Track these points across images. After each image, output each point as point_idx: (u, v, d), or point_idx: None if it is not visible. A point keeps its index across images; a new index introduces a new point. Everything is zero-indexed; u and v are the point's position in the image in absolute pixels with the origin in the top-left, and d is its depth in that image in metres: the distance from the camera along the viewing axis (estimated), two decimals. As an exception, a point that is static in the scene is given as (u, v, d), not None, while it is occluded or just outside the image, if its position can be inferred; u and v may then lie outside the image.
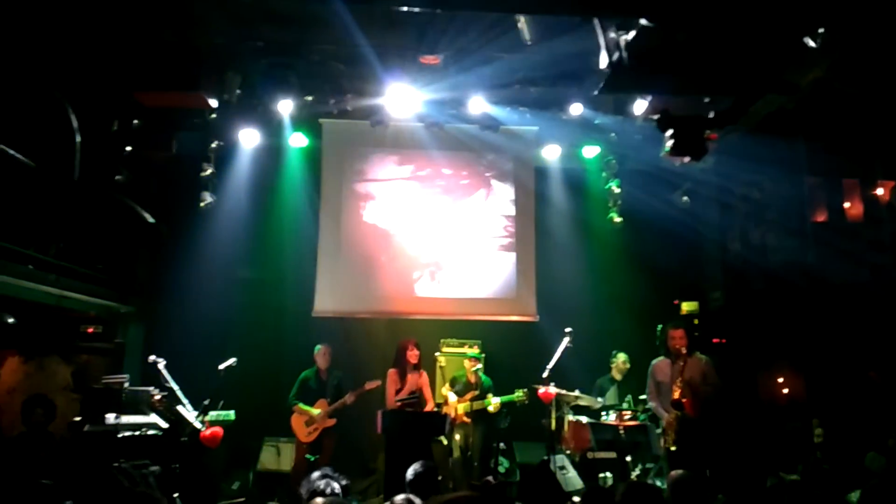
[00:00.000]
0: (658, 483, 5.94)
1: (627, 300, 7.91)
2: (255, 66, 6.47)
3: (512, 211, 8.25)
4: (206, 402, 5.88)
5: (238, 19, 5.86)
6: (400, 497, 3.09)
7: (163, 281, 7.56)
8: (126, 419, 5.54)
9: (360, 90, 6.71)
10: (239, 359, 6.22)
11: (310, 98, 6.85)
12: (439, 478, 4.26)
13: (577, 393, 6.84)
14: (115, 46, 5.64)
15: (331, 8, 5.07)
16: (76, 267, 6.30)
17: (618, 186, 8.03)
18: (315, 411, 6.56)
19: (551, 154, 8.15)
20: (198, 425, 5.72)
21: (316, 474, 3.73)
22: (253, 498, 6.81)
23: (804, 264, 7.71)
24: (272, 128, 7.30)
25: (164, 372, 5.87)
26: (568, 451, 6.83)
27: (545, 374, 6.28)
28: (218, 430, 5.79)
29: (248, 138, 7.36)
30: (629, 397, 6.91)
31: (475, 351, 7.01)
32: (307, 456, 6.45)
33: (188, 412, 5.78)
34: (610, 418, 6.66)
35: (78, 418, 5.46)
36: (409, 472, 4.01)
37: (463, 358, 7.01)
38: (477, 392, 6.75)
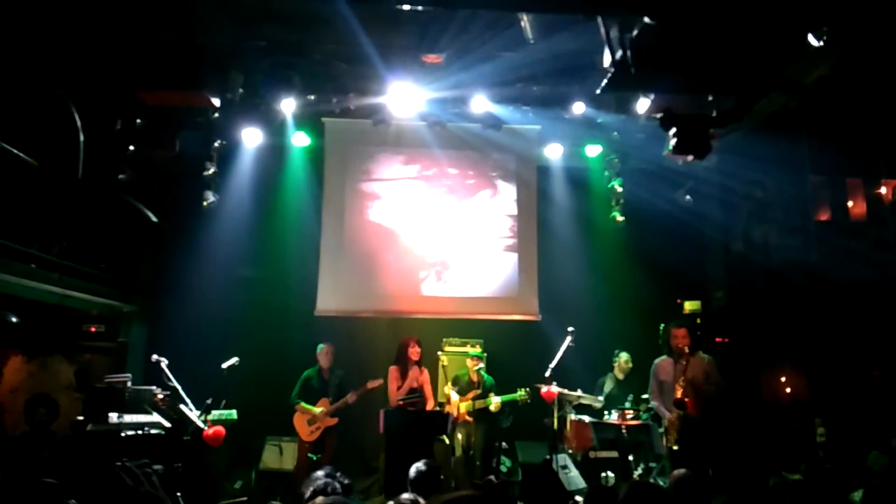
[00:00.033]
0: (660, 482, 5.94)
1: (630, 299, 7.90)
2: (257, 66, 6.47)
3: (515, 210, 8.25)
4: (209, 402, 5.89)
5: (240, 18, 5.86)
6: (407, 496, 3.10)
7: (166, 280, 7.57)
8: (129, 418, 5.55)
9: (362, 89, 6.71)
10: (241, 358, 6.23)
11: (312, 97, 6.85)
12: (441, 477, 4.26)
13: (579, 392, 6.83)
14: (117, 45, 5.64)
15: (333, 7, 5.07)
16: (79, 266, 6.31)
17: (620, 185, 8.02)
18: (317, 410, 6.57)
19: (554, 153, 8.15)
20: (200, 424, 5.73)
21: (318, 473, 3.73)
22: (255, 497, 6.81)
23: (807, 263, 7.69)
24: (275, 127, 7.29)
25: (167, 371, 5.89)
26: (570, 451, 6.83)
27: (547, 374, 6.27)
28: (220, 429, 5.80)
29: (251, 137, 7.36)
30: (631, 396, 6.90)
31: (477, 350, 7.01)
32: (309, 455, 6.46)
33: (191, 411, 5.79)
34: (612, 417, 6.65)
35: (81, 417, 5.46)
36: (412, 471, 4.01)
37: (465, 357, 7.01)
38: (479, 391, 6.75)
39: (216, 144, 7.32)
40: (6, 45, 4.59)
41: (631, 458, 6.52)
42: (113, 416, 5.45)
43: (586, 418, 6.86)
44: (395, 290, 7.95)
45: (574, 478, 6.50)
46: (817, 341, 7.32)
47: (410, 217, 8.14)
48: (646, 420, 6.60)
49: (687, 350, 5.89)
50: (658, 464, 6.53)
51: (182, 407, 5.78)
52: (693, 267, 8.20)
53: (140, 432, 5.57)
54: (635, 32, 4.43)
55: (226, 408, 6.19)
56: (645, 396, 6.59)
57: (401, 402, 6.41)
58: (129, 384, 5.89)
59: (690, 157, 5.14)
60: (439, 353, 7.16)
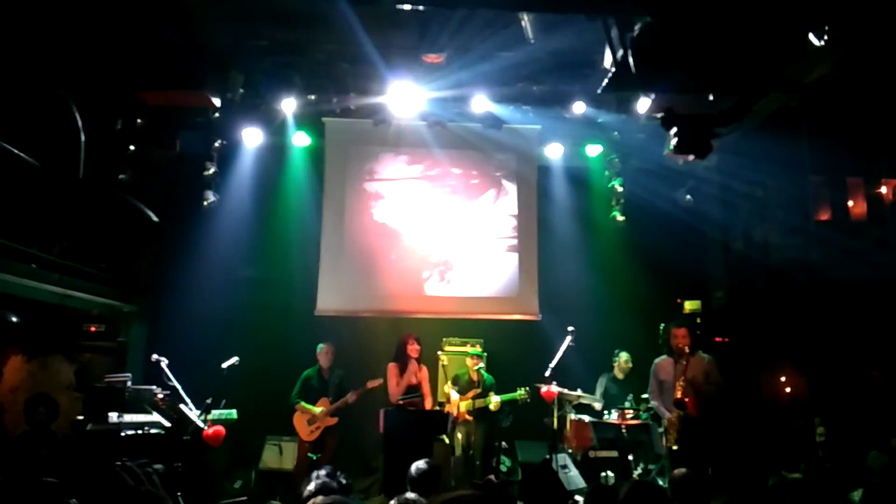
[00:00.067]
0: (660, 482, 5.94)
1: (630, 299, 7.90)
2: (258, 65, 6.48)
3: (515, 210, 8.25)
4: (209, 401, 5.89)
5: (241, 18, 5.86)
6: (409, 495, 3.10)
7: (166, 280, 7.57)
8: (129, 418, 5.55)
9: (363, 89, 6.72)
10: (241, 358, 6.24)
11: (313, 97, 6.86)
12: (441, 477, 4.26)
13: (579, 392, 6.84)
14: (118, 45, 5.64)
15: (334, 7, 5.07)
16: (79, 266, 6.32)
17: (620, 185, 8.04)
18: (317, 410, 6.57)
19: (554, 153, 8.15)
20: (200, 424, 5.74)
21: (318, 473, 3.74)
22: (255, 497, 6.81)
23: (807, 263, 7.69)
24: (275, 127, 7.31)
25: (167, 371, 5.89)
26: (570, 450, 6.83)
27: (547, 373, 6.28)
28: (220, 428, 5.80)
29: (252, 137, 7.37)
30: (631, 396, 6.90)
31: (477, 349, 7.01)
32: (309, 455, 6.47)
33: (191, 411, 5.79)
34: (612, 417, 6.65)
35: (81, 417, 5.46)
36: (412, 470, 4.01)
37: (465, 356, 7.01)
38: (479, 390, 6.76)
39: (217, 144, 7.33)
40: (7, 45, 4.59)
41: (631, 457, 6.52)
42: (113, 416, 5.45)
43: (586, 418, 6.87)
44: (397, 289, 7.96)
45: (574, 477, 6.50)
46: (817, 341, 7.32)
47: (413, 217, 8.14)
48: (646, 420, 6.61)
49: (687, 350, 5.89)
50: (658, 463, 6.53)
51: (182, 406, 5.79)
52: (693, 266, 8.20)
53: (140, 432, 5.58)
54: (636, 32, 4.43)
55: (226, 407, 6.20)
56: (645, 396, 6.59)
57: (401, 402, 6.41)
58: (129, 384, 5.90)
59: (691, 157, 5.14)
60: (439, 352, 7.16)
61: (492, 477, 5.05)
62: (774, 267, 8.02)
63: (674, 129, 4.55)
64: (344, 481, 3.72)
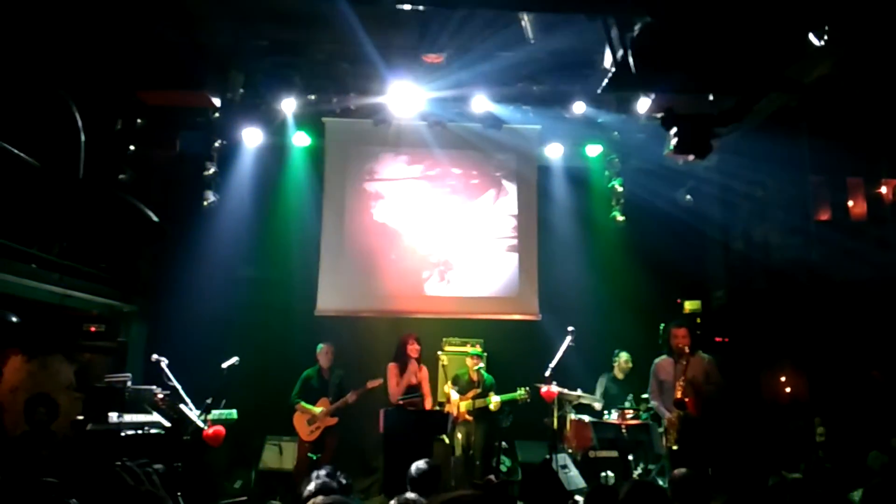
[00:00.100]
0: (660, 482, 5.94)
1: (630, 299, 7.90)
2: (258, 65, 6.48)
3: (515, 210, 8.25)
4: (209, 401, 5.90)
5: (241, 18, 5.86)
6: (410, 495, 3.10)
7: (166, 280, 7.57)
8: (129, 418, 5.55)
9: (363, 89, 6.72)
10: (241, 358, 6.24)
11: (313, 97, 6.86)
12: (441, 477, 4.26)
13: (579, 392, 6.83)
14: (118, 45, 5.64)
15: (334, 7, 5.07)
16: (79, 266, 6.32)
17: (620, 185, 8.04)
18: (317, 410, 6.57)
19: (554, 153, 8.15)
20: (200, 424, 5.74)
21: (318, 473, 3.74)
22: (255, 497, 6.81)
23: (807, 263, 7.69)
24: (275, 127, 7.31)
25: (167, 371, 5.89)
26: (570, 450, 6.83)
27: (547, 373, 6.28)
28: (220, 428, 5.80)
29: (252, 137, 7.37)
30: (631, 396, 6.90)
31: (477, 349, 7.01)
32: (309, 455, 6.46)
33: (191, 411, 5.79)
34: (612, 417, 6.66)
35: (81, 417, 5.46)
36: (412, 470, 4.01)
37: (465, 356, 7.01)
38: (479, 390, 6.76)
39: (217, 144, 7.33)
40: (7, 45, 4.59)
41: (631, 457, 6.52)
42: (113, 416, 5.45)
43: (586, 418, 6.87)
44: (397, 289, 7.95)
45: (574, 477, 6.50)
46: (817, 341, 7.32)
47: (413, 217, 8.14)
48: (645, 420, 6.61)
49: (687, 350, 5.89)
50: (658, 463, 6.53)
51: (182, 406, 5.79)
52: (693, 266, 8.20)
53: (140, 432, 5.58)
54: (636, 32, 4.43)
55: (226, 407, 6.20)
56: (645, 396, 6.59)
57: (401, 402, 6.41)
58: (129, 384, 5.90)
59: (691, 157, 5.14)
60: (439, 352, 7.16)
61: (492, 477, 5.06)
62: (774, 267, 8.02)
63: (674, 129, 4.55)
64: (344, 481, 3.72)
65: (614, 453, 6.63)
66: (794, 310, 7.48)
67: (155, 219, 2.23)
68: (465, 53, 6.03)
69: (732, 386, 6.45)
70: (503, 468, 7.17)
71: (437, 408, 6.88)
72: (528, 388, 6.63)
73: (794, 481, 4.93)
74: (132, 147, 6.88)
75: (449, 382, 6.88)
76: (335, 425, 6.61)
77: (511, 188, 8.30)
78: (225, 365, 6.15)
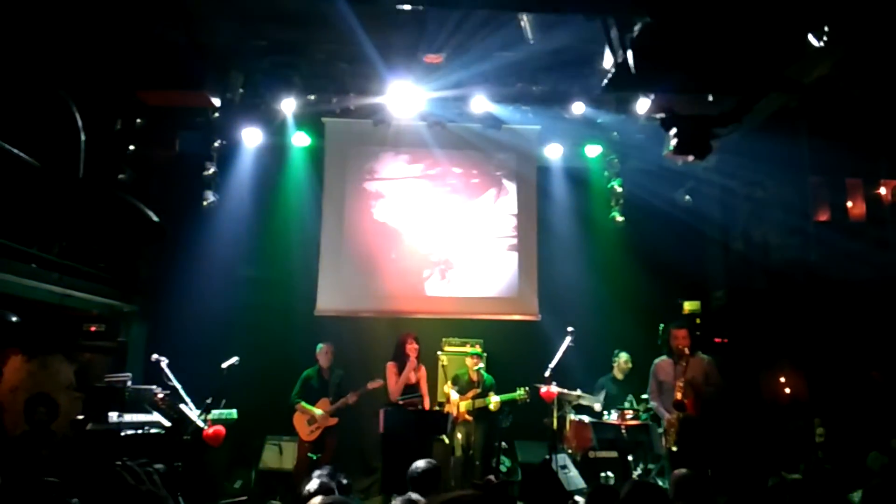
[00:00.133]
0: (660, 482, 5.95)
1: (629, 299, 7.90)
2: (257, 65, 6.48)
3: (515, 210, 8.26)
4: (209, 401, 5.90)
5: (241, 18, 5.86)
6: (413, 495, 3.11)
7: (165, 280, 7.57)
8: (129, 418, 5.56)
9: (362, 89, 6.72)
10: (241, 358, 6.24)
11: (312, 97, 6.86)
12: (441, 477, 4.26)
13: (578, 392, 6.84)
14: (118, 45, 5.64)
15: (333, 7, 5.07)
16: (79, 266, 6.31)
17: (620, 185, 8.04)
18: (317, 411, 6.57)
19: (554, 153, 8.16)
20: (200, 424, 5.74)
21: (318, 473, 3.74)
22: (255, 497, 6.81)
23: (807, 263, 7.69)
24: (275, 127, 7.31)
25: (167, 370, 5.90)
26: (570, 451, 6.83)
27: (547, 374, 6.28)
28: (220, 428, 5.81)
29: (251, 137, 7.37)
30: (630, 397, 6.91)
31: (477, 349, 7.01)
32: (309, 454, 6.47)
33: (191, 411, 5.79)
34: (612, 417, 6.66)
35: (81, 417, 5.47)
36: (413, 470, 4.01)
37: (465, 356, 7.01)
38: (479, 390, 6.76)
39: (216, 144, 7.33)
40: (8, 45, 4.59)
41: (630, 458, 6.52)
42: (113, 416, 5.46)
43: (586, 418, 6.87)
44: (397, 289, 7.95)
45: (573, 478, 6.50)
46: (817, 341, 7.32)
47: (414, 216, 8.14)
48: (645, 420, 6.61)
49: (687, 351, 5.90)
50: (657, 464, 6.54)
51: (182, 406, 5.79)
52: (693, 267, 8.21)
53: (140, 431, 5.58)
54: (635, 32, 4.43)
55: (226, 407, 6.20)
56: (644, 396, 6.60)
57: (400, 402, 6.41)
58: (129, 383, 5.90)
59: (691, 158, 5.15)
60: (439, 352, 7.16)
61: (491, 477, 5.05)
62: (774, 267, 8.02)
63: (673, 130, 4.56)
64: (344, 481, 3.73)
65: (614, 454, 6.64)
66: (793, 310, 7.48)
67: (155, 218, 2.24)
68: (464, 53, 6.03)
69: (732, 386, 6.45)
70: (503, 468, 7.17)
71: (437, 408, 6.88)
72: (527, 389, 6.63)
73: (793, 482, 4.93)
74: (132, 147, 6.88)
75: (449, 382, 6.88)
76: (335, 425, 6.62)
77: (511, 188, 8.30)
78: (225, 365, 6.15)
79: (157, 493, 1.81)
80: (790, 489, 3.42)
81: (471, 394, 6.75)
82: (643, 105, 6.53)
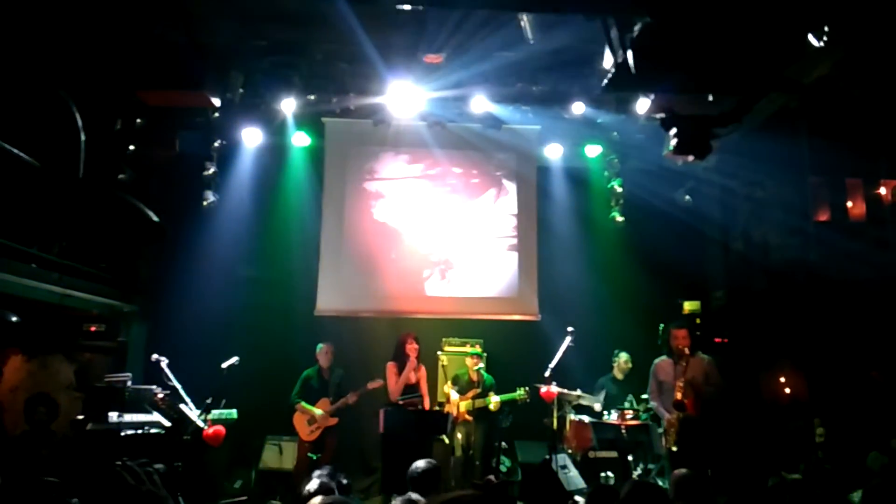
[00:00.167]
0: (660, 482, 5.95)
1: (629, 299, 7.91)
2: (257, 65, 6.48)
3: (515, 209, 8.26)
4: (209, 401, 5.90)
5: (240, 18, 5.87)
6: (414, 494, 3.11)
7: (166, 280, 7.57)
8: (129, 418, 5.56)
9: (362, 89, 6.72)
10: (241, 358, 6.24)
11: (312, 97, 6.86)
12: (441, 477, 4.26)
13: (578, 392, 6.84)
14: (118, 45, 5.64)
15: (333, 7, 5.07)
16: (79, 266, 6.31)
17: (620, 185, 8.04)
18: (317, 411, 6.57)
19: (554, 153, 8.16)
20: (200, 424, 5.74)
21: (318, 473, 3.74)
22: (255, 496, 6.81)
23: (806, 263, 7.69)
24: (275, 127, 7.31)
25: (167, 370, 5.90)
26: (570, 451, 6.83)
27: (547, 374, 6.28)
28: (220, 428, 5.81)
29: (251, 137, 7.37)
30: (630, 397, 6.91)
31: (477, 349, 7.01)
32: (309, 454, 6.47)
33: (191, 411, 5.79)
34: (612, 418, 6.66)
35: (81, 417, 5.47)
36: (413, 470, 4.01)
37: (465, 356, 7.01)
38: (479, 390, 6.76)
39: (216, 144, 7.33)
40: (8, 45, 4.60)
41: (630, 458, 6.52)
42: (113, 416, 5.46)
43: (586, 418, 6.87)
44: (397, 289, 7.95)
45: (573, 478, 6.50)
46: (817, 342, 7.32)
47: (414, 216, 8.15)
48: (645, 420, 6.61)
49: (687, 351, 5.90)
50: (657, 464, 6.54)
51: (182, 406, 5.79)
52: (693, 267, 8.21)
53: (140, 431, 5.58)
54: (636, 32, 4.43)
55: (226, 407, 6.20)
56: (644, 396, 6.60)
57: (400, 402, 6.41)
58: (129, 383, 5.90)
59: (691, 158, 5.15)
60: (439, 352, 7.16)
61: (491, 477, 5.05)
62: (774, 267, 8.02)
63: (673, 130, 4.56)
64: (344, 481, 3.73)
65: (614, 454, 6.64)
66: (793, 310, 7.48)
67: (155, 218, 2.24)
68: (464, 53, 6.03)
69: (732, 386, 6.45)
70: (503, 468, 7.17)
71: (437, 408, 6.88)
72: (527, 389, 6.63)
73: (793, 482, 4.93)
74: (132, 147, 6.88)
75: (449, 382, 6.88)
76: (335, 425, 6.62)
77: (511, 188, 8.31)
78: (225, 365, 6.15)
79: (157, 493, 1.81)
80: (790, 489, 3.42)
81: (471, 394, 6.75)
82: (643, 105, 6.53)
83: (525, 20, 5.38)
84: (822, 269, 7.48)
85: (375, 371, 6.78)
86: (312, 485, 3.47)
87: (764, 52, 4.42)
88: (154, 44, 5.85)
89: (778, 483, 4.79)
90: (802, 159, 7.94)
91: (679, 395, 5.79)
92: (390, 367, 6.61)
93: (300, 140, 7.80)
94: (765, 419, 7.43)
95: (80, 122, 2.34)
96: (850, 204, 8.63)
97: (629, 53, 4.40)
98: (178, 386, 5.84)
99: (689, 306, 7.77)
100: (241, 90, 6.54)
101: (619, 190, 8.03)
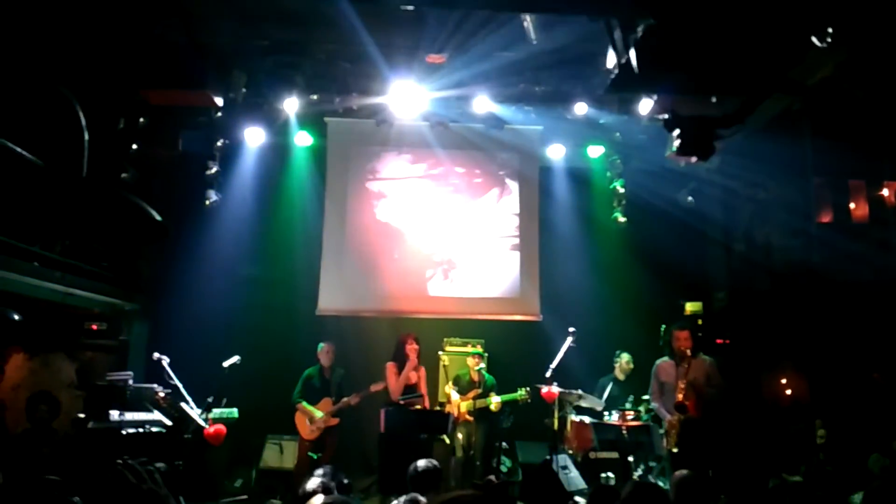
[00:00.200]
0: (660, 483, 5.94)
1: (631, 300, 7.90)
2: (260, 65, 6.49)
3: (517, 210, 8.26)
4: (210, 400, 5.91)
5: (243, 18, 5.87)
6: (414, 494, 3.11)
7: (167, 279, 7.58)
8: (130, 416, 5.56)
9: (365, 89, 6.73)
10: (242, 357, 6.25)
11: (315, 97, 6.87)
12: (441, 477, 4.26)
13: (579, 392, 6.83)
14: (121, 44, 5.65)
15: (335, 6, 5.08)
16: (81, 264, 6.33)
17: (622, 186, 8.04)
18: (318, 413, 6.57)
19: (556, 153, 8.15)
20: (201, 423, 5.75)
21: (318, 472, 3.75)
22: (255, 496, 6.82)
23: (809, 265, 7.67)
24: (277, 126, 7.32)
25: (168, 369, 5.91)
26: (570, 451, 6.83)
27: (548, 374, 6.28)
28: (221, 427, 5.82)
29: (254, 137, 7.38)
30: (631, 397, 6.90)
31: (478, 349, 7.01)
32: (310, 454, 6.48)
33: (192, 409, 5.80)
34: (613, 418, 6.65)
35: (82, 415, 5.47)
36: (413, 469, 4.01)
37: (466, 356, 7.01)
38: (480, 390, 6.76)
39: (219, 143, 7.35)
40: (12, 44, 4.60)
41: (631, 458, 6.52)
42: (114, 414, 5.47)
43: (587, 419, 6.86)
44: (398, 289, 7.95)
45: (574, 478, 6.50)
46: (819, 343, 7.31)
47: (416, 216, 8.15)
48: (646, 421, 6.60)
49: (689, 352, 5.89)
50: (658, 464, 6.53)
51: (183, 405, 5.80)
52: (694, 268, 8.20)
53: (141, 430, 5.59)
54: (639, 33, 4.43)
55: (227, 406, 6.21)
56: (646, 397, 6.59)
57: (401, 402, 6.41)
58: (130, 382, 5.91)
59: (694, 159, 5.14)
60: (440, 352, 7.16)
61: (492, 477, 5.05)
62: (776, 269, 8.00)
63: (676, 131, 4.55)
64: (344, 481, 3.73)
65: (615, 454, 6.63)
66: (795, 312, 7.47)
67: (158, 218, 2.24)
68: (466, 53, 6.03)
69: (733, 388, 6.45)
70: (503, 469, 7.16)
71: (438, 408, 6.88)
72: (528, 389, 6.63)
73: (794, 484, 4.93)
74: (135, 146, 6.88)
75: (450, 382, 6.88)
76: (336, 425, 6.62)
77: (514, 188, 8.30)
78: (226, 364, 6.16)
79: (158, 491, 1.81)
80: (791, 491, 3.42)
81: (472, 394, 6.75)
82: (646, 106, 6.52)
83: (528, 20, 5.38)
84: (824, 270, 7.47)
85: (377, 371, 6.79)
86: (312, 484, 3.47)
87: (767, 54, 4.41)
88: (157, 43, 5.86)
89: (779, 484, 4.80)
90: (805, 160, 7.92)
91: (680, 397, 5.79)
92: (390, 367, 6.62)
93: (302, 140, 7.81)
94: (766, 421, 7.42)
95: (83, 121, 2.34)
96: (852, 205, 8.61)
97: (632, 54, 4.40)
98: (180, 385, 5.85)
99: (690, 307, 7.77)
100: (243, 90, 6.55)
101: (622, 190, 8.03)
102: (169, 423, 5.77)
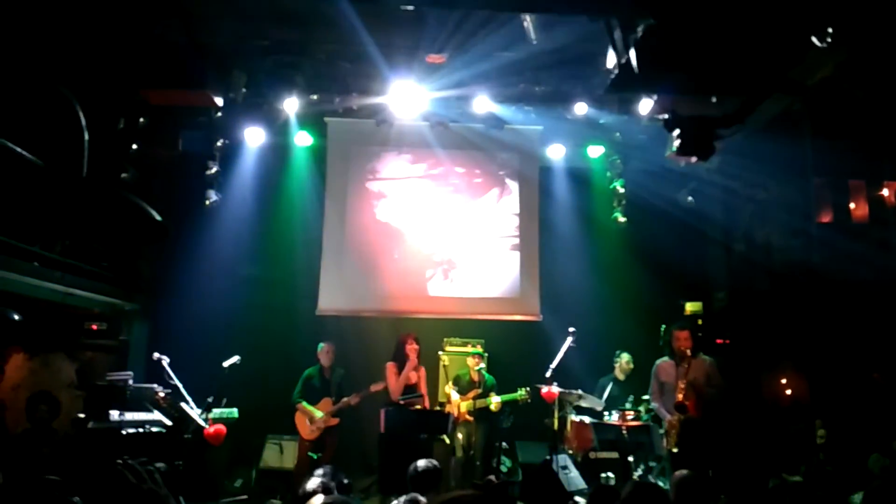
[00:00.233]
0: (660, 483, 5.94)
1: (631, 300, 7.90)
2: (260, 65, 6.49)
3: (517, 210, 8.26)
4: (210, 400, 5.91)
5: (243, 18, 5.87)
6: (414, 494, 3.11)
7: (167, 279, 7.58)
8: (130, 416, 5.56)
9: (365, 89, 6.73)
10: (242, 357, 6.25)
11: (315, 97, 6.87)
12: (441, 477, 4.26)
13: (579, 392, 6.83)
14: (121, 44, 5.65)
15: (335, 6, 5.08)
16: (82, 264, 6.33)
17: (622, 186, 8.04)
18: (318, 414, 6.57)
19: (556, 153, 8.16)
20: (201, 423, 5.75)
21: (318, 472, 3.75)
22: (255, 496, 6.82)
23: (809, 265, 7.68)
24: (277, 126, 7.32)
25: (168, 369, 5.91)
26: (570, 451, 6.83)
27: (548, 374, 6.28)
28: (221, 427, 5.82)
29: (254, 137, 7.38)
30: (631, 397, 6.90)
31: (478, 349, 7.01)
32: (310, 454, 6.48)
33: (192, 409, 5.80)
34: (613, 418, 6.65)
35: (82, 415, 5.47)
36: (413, 469, 4.01)
37: (466, 356, 7.01)
38: (480, 390, 6.76)
39: (219, 143, 7.35)
40: (12, 44, 4.60)
41: (631, 458, 6.52)
42: (114, 414, 5.47)
43: (587, 419, 6.86)
44: (398, 289, 7.95)
45: (574, 478, 6.49)
46: (819, 343, 7.31)
47: (416, 216, 8.15)
48: (646, 421, 6.60)
49: (689, 353, 5.89)
50: (658, 464, 6.53)
51: (183, 405, 5.80)
52: (694, 268, 8.20)
53: (141, 430, 5.59)
54: (639, 33, 4.43)
55: (227, 406, 6.21)
56: (646, 397, 6.59)
57: (401, 402, 6.41)
58: (130, 382, 5.91)
59: (694, 159, 5.14)
60: (440, 352, 7.16)
61: (492, 477, 5.05)
62: (776, 268, 8.00)
63: (676, 131, 4.55)
64: (344, 481, 3.73)
65: (615, 454, 6.63)
66: (795, 312, 7.47)
67: (158, 217, 2.24)
68: (466, 53, 6.03)
69: (733, 388, 6.45)
70: (504, 469, 7.16)
71: (438, 408, 6.88)
72: (528, 389, 6.63)
73: (794, 484, 4.93)
74: (135, 146, 6.89)
75: (450, 383, 6.88)
76: (336, 425, 6.62)
77: (514, 188, 8.31)
78: (226, 364, 6.16)
79: (158, 491, 1.81)
80: (791, 491, 3.42)
81: (472, 394, 6.75)
82: (646, 106, 6.53)
83: (528, 20, 5.38)
84: (824, 270, 7.47)
85: (377, 371, 6.78)
86: (312, 484, 3.47)
87: (767, 54, 4.41)
88: (157, 43, 5.86)
89: (779, 485, 4.80)
90: (805, 160, 7.92)
91: (680, 397, 5.79)
92: (390, 367, 6.62)
93: (302, 140, 7.81)
94: (766, 421, 7.42)
95: (83, 121, 2.34)
96: (853, 205, 8.61)
97: (632, 54, 4.40)
98: (180, 385, 5.85)
99: (690, 307, 7.77)
100: (243, 89, 6.55)
101: (622, 191, 8.03)
102: (169, 423, 5.77)
